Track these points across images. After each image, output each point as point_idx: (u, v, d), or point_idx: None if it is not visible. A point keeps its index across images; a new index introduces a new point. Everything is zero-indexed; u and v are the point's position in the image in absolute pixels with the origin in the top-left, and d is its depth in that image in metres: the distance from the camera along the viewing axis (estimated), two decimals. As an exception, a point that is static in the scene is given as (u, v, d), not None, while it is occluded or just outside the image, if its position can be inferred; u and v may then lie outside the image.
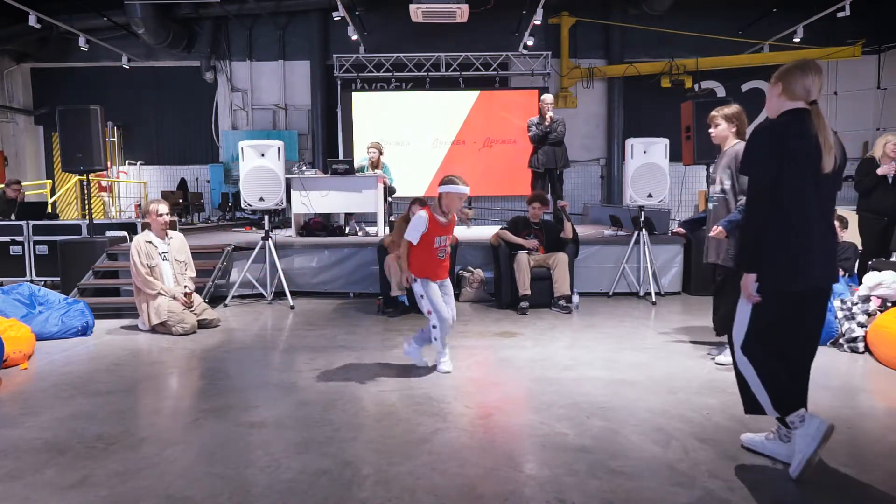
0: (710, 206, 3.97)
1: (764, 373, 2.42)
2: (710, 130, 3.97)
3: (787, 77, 2.42)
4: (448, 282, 4.04)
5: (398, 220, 6.10)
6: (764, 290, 2.37)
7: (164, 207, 5.28)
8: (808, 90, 2.38)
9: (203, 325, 5.19)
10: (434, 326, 3.86)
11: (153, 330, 5.09)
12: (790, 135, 2.32)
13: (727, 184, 3.80)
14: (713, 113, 3.94)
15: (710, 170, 4.10)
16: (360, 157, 8.41)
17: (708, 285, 5.98)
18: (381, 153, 8.03)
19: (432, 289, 3.88)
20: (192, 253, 5.57)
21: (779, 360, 2.44)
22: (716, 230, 3.69)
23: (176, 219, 8.99)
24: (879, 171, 5.44)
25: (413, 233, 3.84)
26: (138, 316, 5.22)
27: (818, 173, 2.32)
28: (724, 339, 4.15)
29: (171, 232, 5.43)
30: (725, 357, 3.87)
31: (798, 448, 2.33)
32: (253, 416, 3.12)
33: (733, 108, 3.90)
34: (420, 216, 3.88)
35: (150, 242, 5.18)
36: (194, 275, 5.49)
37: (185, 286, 5.24)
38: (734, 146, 3.83)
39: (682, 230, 4.33)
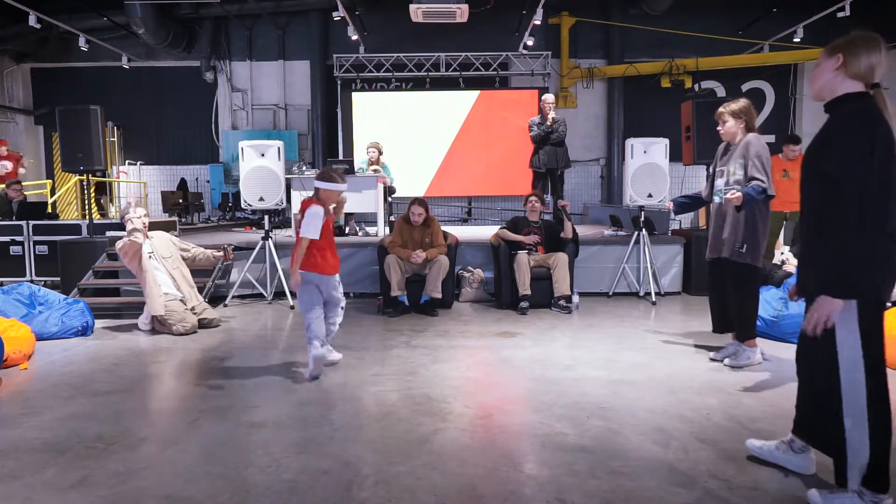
0: (718, 199, 3.90)
1: (877, 429, 2.00)
2: (719, 128, 3.92)
3: (851, 50, 2.04)
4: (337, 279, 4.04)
5: (398, 220, 6.12)
6: (864, 304, 1.98)
7: (140, 210, 5.29)
8: (873, 69, 2.03)
9: (203, 324, 5.20)
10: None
11: (153, 330, 5.09)
12: (878, 124, 1.96)
13: (740, 174, 3.74)
14: (720, 110, 3.89)
15: (714, 164, 4.05)
16: (361, 158, 8.41)
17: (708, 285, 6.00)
18: (380, 153, 8.03)
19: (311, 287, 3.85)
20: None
21: (888, 407, 2.02)
22: (734, 195, 3.59)
23: (176, 219, 9.00)
24: None
25: (311, 229, 3.72)
26: (138, 316, 5.21)
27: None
28: (725, 338, 4.18)
29: (150, 232, 5.42)
30: (737, 360, 3.84)
31: None
32: (253, 416, 3.12)
33: (740, 104, 3.84)
34: (315, 211, 3.74)
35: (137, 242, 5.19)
36: (199, 251, 5.71)
37: (218, 249, 5.65)
38: (745, 138, 3.79)
39: (671, 205, 4.23)
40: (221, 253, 5.66)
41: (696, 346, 4.46)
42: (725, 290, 3.96)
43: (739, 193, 3.61)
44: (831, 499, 2.13)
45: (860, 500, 2.07)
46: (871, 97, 2.05)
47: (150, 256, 5.23)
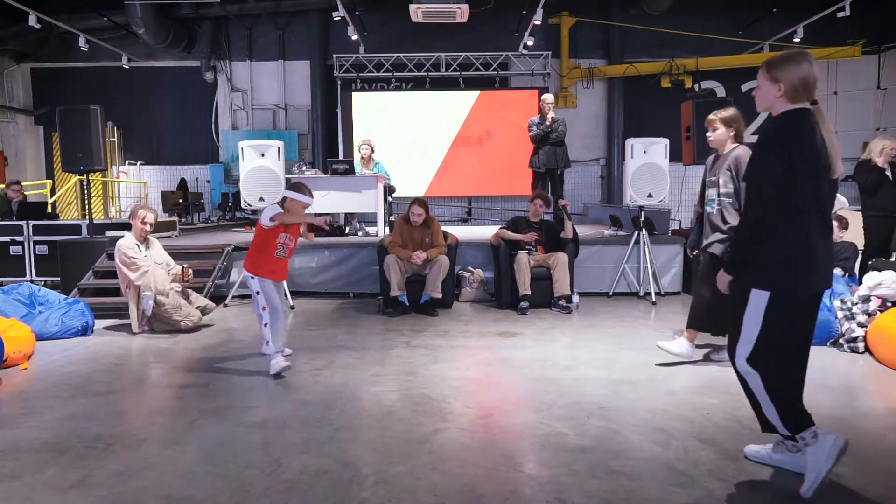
0: (709, 209, 3.87)
1: (773, 388, 2.30)
2: (709, 135, 3.92)
3: (786, 75, 2.27)
4: (281, 286, 4.23)
5: (398, 220, 6.12)
6: (775, 297, 2.26)
7: (151, 217, 5.23)
8: (809, 88, 2.26)
9: (203, 313, 5.25)
10: (266, 325, 3.88)
11: (152, 330, 5.08)
12: (799, 136, 2.23)
13: (730, 187, 3.74)
14: (711, 117, 3.89)
15: (704, 174, 4.04)
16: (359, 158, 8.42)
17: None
18: (372, 150, 8.03)
19: (269, 287, 3.92)
20: (191, 253, 5.60)
21: (786, 373, 2.34)
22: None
23: (176, 219, 9.00)
24: (879, 163, 5.45)
25: (265, 217, 3.87)
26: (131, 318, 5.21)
27: (825, 176, 2.24)
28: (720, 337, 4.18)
29: (150, 238, 5.35)
30: (675, 346, 3.94)
31: (811, 466, 2.23)
32: (253, 416, 3.12)
33: (730, 112, 3.85)
34: (275, 208, 3.95)
35: (137, 246, 5.15)
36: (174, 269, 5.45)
37: (180, 267, 5.32)
38: (734, 149, 3.78)
39: (697, 251, 4.20)
40: (181, 274, 5.31)
41: (696, 346, 4.45)
42: (702, 284, 3.95)
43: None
44: (769, 455, 2.49)
45: (790, 453, 2.41)
46: (810, 112, 2.26)
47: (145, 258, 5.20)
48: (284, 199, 4.05)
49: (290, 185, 4.10)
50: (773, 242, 2.25)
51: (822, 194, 2.27)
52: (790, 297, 2.28)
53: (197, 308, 5.22)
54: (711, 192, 3.90)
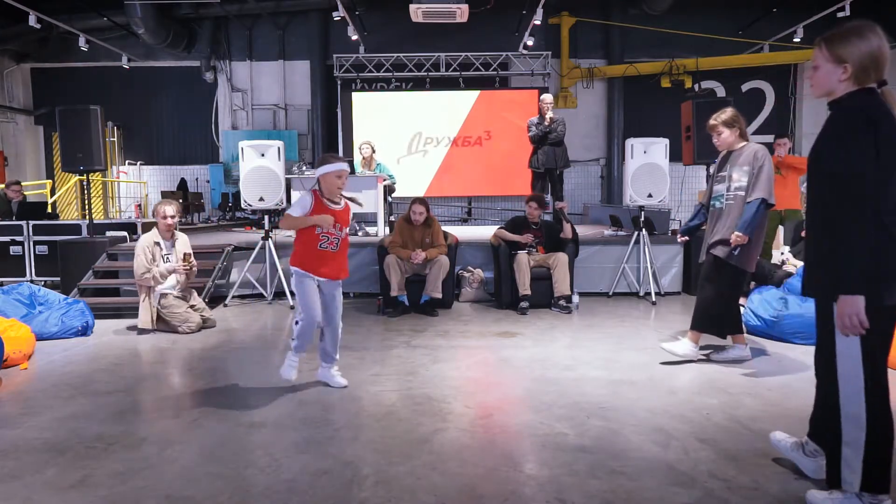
0: (718, 204, 3.92)
1: (875, 428, 1.97)
2: (715, 140, 3.96)
3: (854, 53, 1.94)
4: (337, 285, 3.54)
5: (399, 219, 6.12)
6: (872, 309, 1.90)
7: (170, 209, 5.14)
8: (880, 66, 1.94)
9: (204, 326, 5.20)
10: (297, 322, 3.46)
11: (155, 330, 5.08)
12: (886, 118, 1.89)
13: (744, 181, 3.77)
14: (712, 122, 3.93)
15: (714, 168, 4.08)
16: (359, 158, 8.42)
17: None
18: (373, 150, 8.03)
19: (307, 286, 3.42)
20: (192, 253, 5.54)
21: (888, 409, 1.96)
22: (740, 238, 3.67)
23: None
24: None
25: (294, 207, 3.44)
26: (138, 315, 5.20)
27: None
28: (722, 338, 4.18)
29: (177, 233, 5.29)
30: (678, 347, 3.91)
31: None
32: (253, 416, 3.12)
33: (729, 113, 3.90)
34: (305, 195, 3.45)
35: (157, 244, 5.11)
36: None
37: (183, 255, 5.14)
38: (747, 146, 3.83)
39: (686, 238, 4.34)
40: (182, 262, 5.16)
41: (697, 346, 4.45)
42: (705, 283, 3.97)
43: (744, 236, 3.67)
44: (831, 500, 2.11)
45: (860, 502, 2.05)
46: (877, 93, 1.98)
47: (165, 259, 5.13)
48: (318, 181, 3.48)
49: (320, 161, 3.51)
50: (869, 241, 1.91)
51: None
52: (873, 306, 1.95)
53: (200, 314, 5.19)
54: (720, 188, 3.93)
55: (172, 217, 5.16)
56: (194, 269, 5.19)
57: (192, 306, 5.20)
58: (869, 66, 1.94)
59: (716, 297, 3.87)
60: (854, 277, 1.91)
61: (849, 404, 2.02)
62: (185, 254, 5.15)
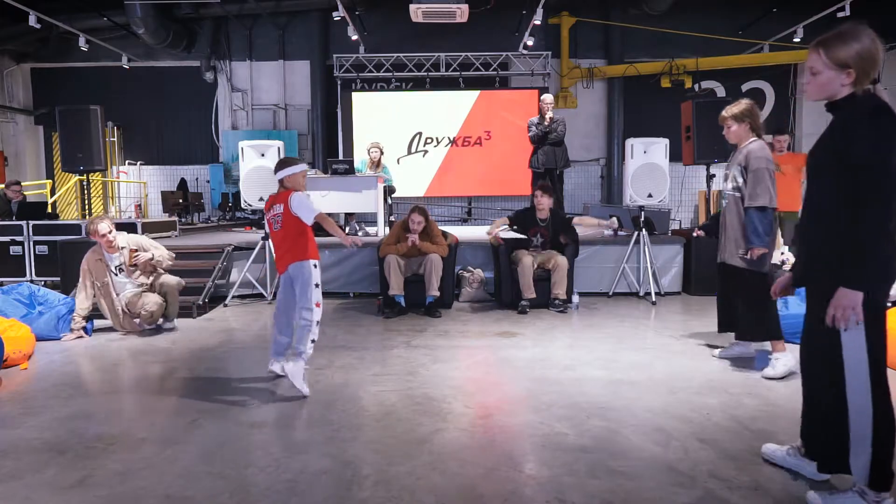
0: (725, 202, 3.90)
1: (881, 424, 1.98)
2: (725, 133, 3.90)
3: (855, 57, 1.95)
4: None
5: (397, 224, 6.10)
6: (872, 306, 1.93)
7: (103, 226, 4.86)
8: (877, 65, 1.96)
9: (164, 291, 5.05)
10: (317, 322, 3.50)
11: (127, 332, 5.04)
12: (891, 112, 1.90)
13: (739, 181, 3.73)
14: (723, 114, 3.84)
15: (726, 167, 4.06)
16: (361, 158, 8.42)
17: (708, 285, 5.99)
18: (382, 153, 8.06)
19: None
20: (191, 253, 5.49)
21: (891, 407, 1.98)
22: (759, 251, 3.59)
23: (176, 219, 9.00)
24: None
25: (309, 212, 3.51)
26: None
27: None
28: (728, 337, 4.18)
29: (118, 239, 5.02)
30: (773, 370, 3.64)
31: None
32: (253, 416, 3.12)
33: (741, 106, 3.78)
34: (303, 194, 3.60)
35: (99, 260, 4.98)
36: (158, 256, 5.10)
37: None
38: (749, 144, 3.75)
39: (702, 232, 4.35)
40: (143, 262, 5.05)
41: (697, 346, 4.46)
42: (730, 293, 3.92)
43: (762, 248, 3.60)
44: (832, 499, 2.11)
45: (862, 500, 2.06)
46: (875, 93, 1.99)
47: (117, 271, 5.02)
48: (281, 181, 3.62)
49: (277, 165, 3.66)
50: (885, 237, 1.91)
51: None
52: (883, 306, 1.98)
53: (161, 284, 5.01)
54: (725, 185, 3.91)
55: (109, 233, 4.91)
56: (143, 258, 4.98)
57: (144, 285, 5.05)
58: (869, 68, 1.96)
59: (750, 305, 3.77)
60: (866, 275, 1.92)
61: (856, 396, 2.01)
62: (130, 250, 5.00)
